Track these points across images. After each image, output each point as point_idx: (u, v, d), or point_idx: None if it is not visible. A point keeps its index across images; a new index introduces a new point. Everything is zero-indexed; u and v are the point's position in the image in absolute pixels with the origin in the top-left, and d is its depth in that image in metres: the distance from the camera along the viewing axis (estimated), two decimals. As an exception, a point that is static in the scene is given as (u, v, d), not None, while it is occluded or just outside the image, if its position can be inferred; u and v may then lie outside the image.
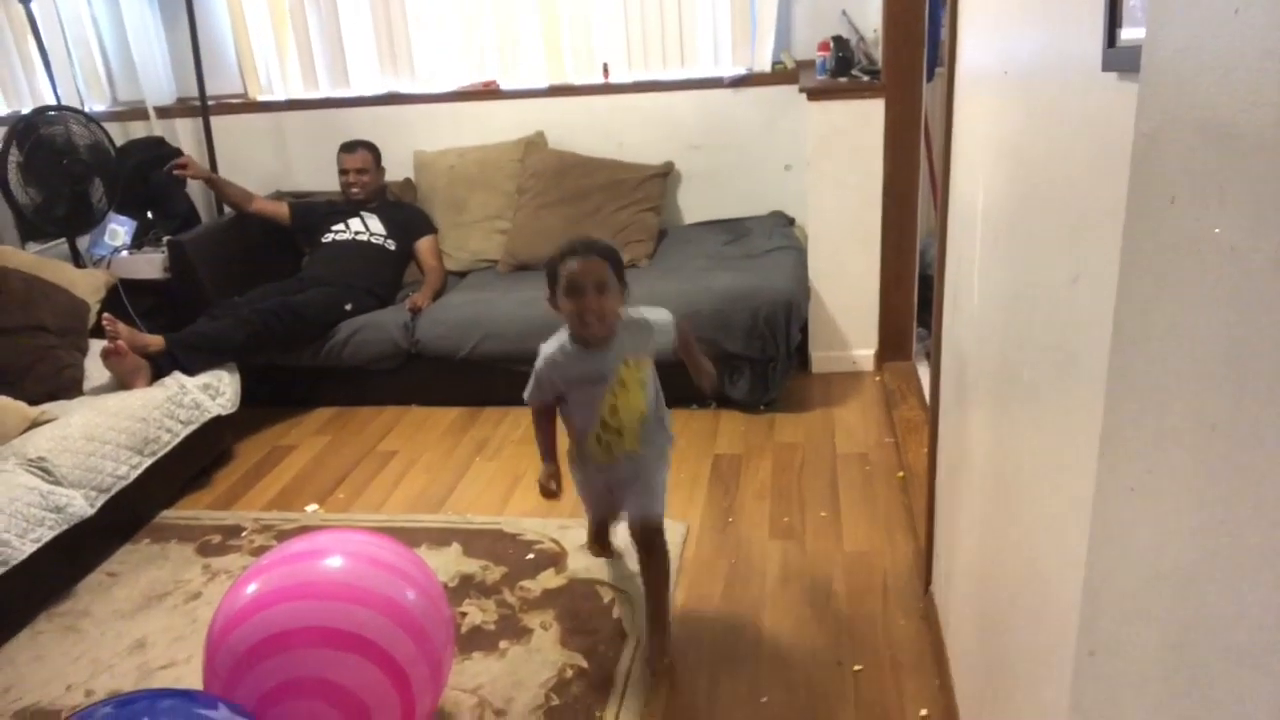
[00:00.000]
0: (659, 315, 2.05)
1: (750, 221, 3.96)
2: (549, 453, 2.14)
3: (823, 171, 3.42)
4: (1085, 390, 0.91)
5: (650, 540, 2.10)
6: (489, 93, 4.09)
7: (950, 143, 1.95)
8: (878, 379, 3.58)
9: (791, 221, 3.95)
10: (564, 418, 2.11)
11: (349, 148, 3.87)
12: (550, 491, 2.14)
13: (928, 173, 3.45)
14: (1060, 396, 1.04)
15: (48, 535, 2.41)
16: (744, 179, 4.00)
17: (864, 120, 3.32)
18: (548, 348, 2.01)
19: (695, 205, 4.08)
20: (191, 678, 1.94)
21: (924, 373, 3.36)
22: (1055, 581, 1.04)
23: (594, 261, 1.89)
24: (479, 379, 3.50)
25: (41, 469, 2.48)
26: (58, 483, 2.49)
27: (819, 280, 3.55)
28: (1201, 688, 0.65)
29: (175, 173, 3.77)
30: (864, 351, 3.64)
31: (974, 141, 1.68)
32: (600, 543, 2.51)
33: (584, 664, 2.11)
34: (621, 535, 2.36)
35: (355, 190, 3.86)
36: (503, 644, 2.20)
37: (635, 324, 2.00)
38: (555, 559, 2.51)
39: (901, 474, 2.84)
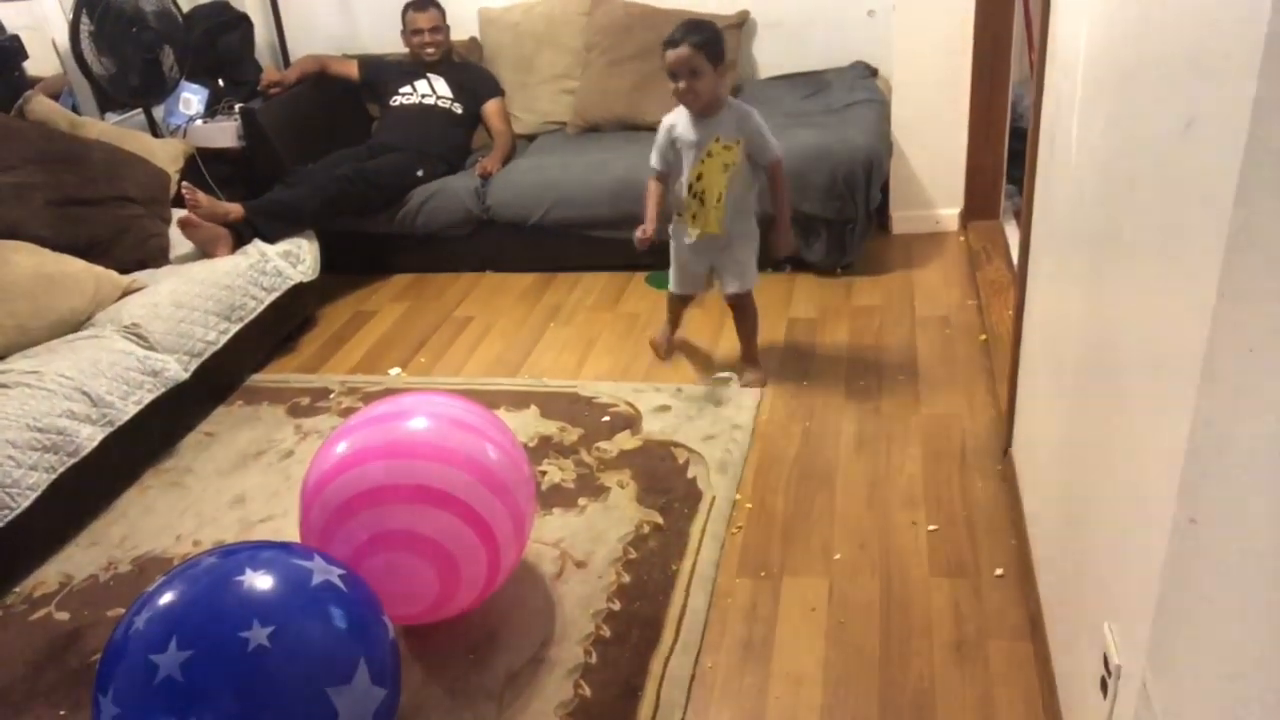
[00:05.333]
0: (768, 135, 2.42)
1: (830, 74, 3.76)
2: (652, 216, 2.50)
3: (910, 15, 3.21)
4: (1197, 245, 0.84)
5: (741, 304, 2.63)
6: (554, -59, 3.90)
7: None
8: (962, 239, 3.45)
9: (874, 72, 3.74)
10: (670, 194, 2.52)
11: (419, 5, 3.75)
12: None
13: (1023, 11, 3.21)
14: (1167, 252, 0.97)
15: (147, 397, 2.53)
16: (824, 27, 3.78)
17: (955, -44, 3.08)
18: (669, 117, 2.44)
19: (771, 58, 3.89)
20: (290, 530, 2.05)
21: (1012, 232, 3.22)
22: (1151, 445, 1.00)
23: (684, 52, 2.27)
24: (551, 245, 3.48)
25: (136, 335, 2.58)
26: (152, 348, 2.60)
27: (902, 135, 3.39)
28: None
29: (271, 91, 3.80)
30: (948, 211, 3.49)
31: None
32: (671, 323, 2.79)
33: (659, 521, 2.16)
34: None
35: (430, 51, 3.77)
36: (581, 501, 2.26)
37: (739, 114, 2.39)
38: (630, 421, 2.55)
39: (984, 337, 2.77)
